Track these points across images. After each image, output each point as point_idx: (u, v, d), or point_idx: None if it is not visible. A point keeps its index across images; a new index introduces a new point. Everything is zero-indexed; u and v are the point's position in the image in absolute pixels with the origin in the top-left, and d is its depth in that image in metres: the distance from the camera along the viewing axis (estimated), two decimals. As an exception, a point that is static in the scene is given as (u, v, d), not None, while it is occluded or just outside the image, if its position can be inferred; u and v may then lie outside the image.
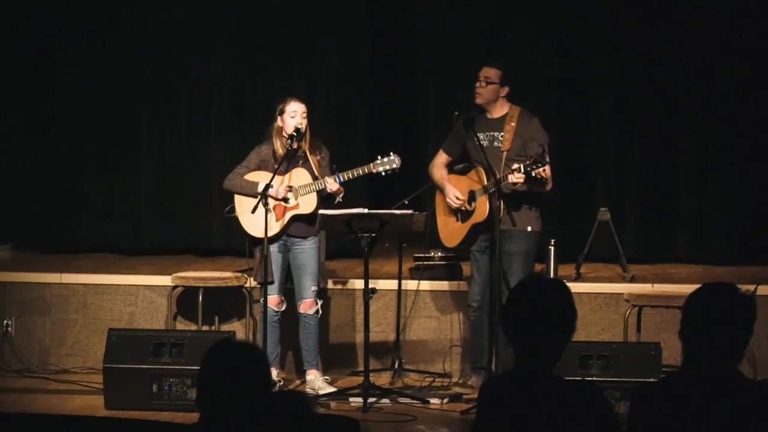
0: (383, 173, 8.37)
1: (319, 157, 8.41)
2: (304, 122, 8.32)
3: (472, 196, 8.30)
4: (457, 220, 8.41)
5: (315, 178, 8.33)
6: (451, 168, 8.50)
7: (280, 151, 8.36)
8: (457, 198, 8.32)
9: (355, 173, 8.33)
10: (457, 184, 8.39)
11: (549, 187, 8.20)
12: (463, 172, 8.43)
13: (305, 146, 8.36)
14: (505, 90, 8.32)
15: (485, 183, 8.16)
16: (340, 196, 8.36)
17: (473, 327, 8.48)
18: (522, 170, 7.91)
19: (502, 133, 8.26)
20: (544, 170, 7.95)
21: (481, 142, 8.20)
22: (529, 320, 3.91)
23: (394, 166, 8.35)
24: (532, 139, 8.15)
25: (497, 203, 8.00)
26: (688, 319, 3.90)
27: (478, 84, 8.32)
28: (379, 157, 8.38)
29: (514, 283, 7.85)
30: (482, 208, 8.21)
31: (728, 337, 3.85)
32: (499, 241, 8.00)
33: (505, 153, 8.20)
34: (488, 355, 8.35)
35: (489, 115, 8.35)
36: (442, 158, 8.53)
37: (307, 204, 8.35)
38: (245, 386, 3.67)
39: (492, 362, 8.30)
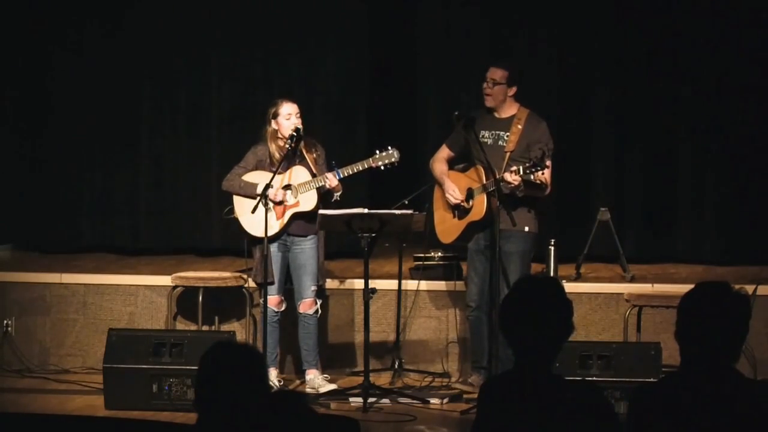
0: (382, 167, 8.36)
1: (315, 155, 8.41)
2: (300, 121, 8.32)
3: (470, 194, 8.30)
4: (454, 216, 8.41)
5: (314, 175, 8.33)
6: (452, 165, 8.50)
7: (277, 154, 8.34)
8: (455, 194, 8.32)
9: (355, 169, 8.32)
10: (456, 180, 8.40)
11: (548, 191, 8.19)
12: (463, 170, 8.44)
13: (301, 145, 8.35)
14: (513, 90, 8.31)
15: (484, 182, 8.17)
16: (338, 194, 8.35)
17: (472, 327, 8.48)
18: (520, 172, 7.91)
19: (508, 134, 8.26)
20: (542, 174, 7.95)
21: (485, 141, 8.21)
22: (524, 320, 3.92)
23: (393, 159, 8.34)
24: (537, 143, 8.14)
25: (497, 203, 8.00)
26: (684, 320, 3.90)
27: (486, 86, 8.31)
28: (378, 152, 8.37)
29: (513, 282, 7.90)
30: (479, 206, 8.21)
31: (724, 336, 3.85)
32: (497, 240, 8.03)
33: (508, 153, 8.21)
34: (488, 355, 8.35)
35: (496, 114, 8.34)
36: (444, 153, 8.53)
37: (307, 201, 8.34)
38: (243, 388, 3.67)
39: (492, 362, 8.29)
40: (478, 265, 8.35)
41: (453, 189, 8.35)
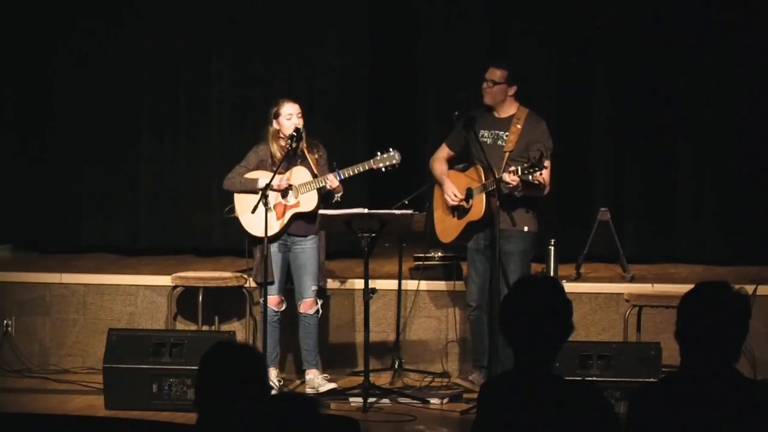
0: (383, 169, 8.36)
1: (317, 156, 8.41)
2: (301, 121, 8.33)
3: (469, 194, 8.31)
4: (454, 216, 8.42)
5: (314, 176, 8.34)
6: (452, 165, 8.51)
7: (278, 154, 8.34)
8: (455, 195, 8.33)
9: (356, 170, 8.32)
10: (456, 180, 8.40)
11: (546, 191, 8.19)
12: (463, 170, 8.45)
13: (302, 145, 8.36)
14: (513, 89, 8.32)
15: (483, 181, 8.17)
16: (339, 195, 8.35)
17: (473, 326, 8.48)
18: (519, 173, 7.92)
19: (507, 133, 8.26)
20: (541, 174, 7.95)
21: (484, 140, 8.21)
22: (524, 320, 3.92)
23: (394, 161, 8.34)
24: (536, 143, 8.14)
25: (497, 203, 8.01)
26: (683, 320, 3.90)
27: (485, 86, 8.31)
28: (379, 153, 8.37)
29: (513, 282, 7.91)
30: (479, 206, 8.22)
31: (724, 336, 3.84)
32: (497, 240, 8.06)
33: (507, 153, 8.21)
34: (489, 354, 8.36)
35: (496, 114, 8.35)
36: (443, 152, 8.54)
37: (307, 202, 8.34)
38: (243, 388, 3.67)
39: (492, 362, 8.29)
40: (478, 264, 8.36)
41: (452, 189, 8.35)
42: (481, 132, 8.26)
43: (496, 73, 8.30)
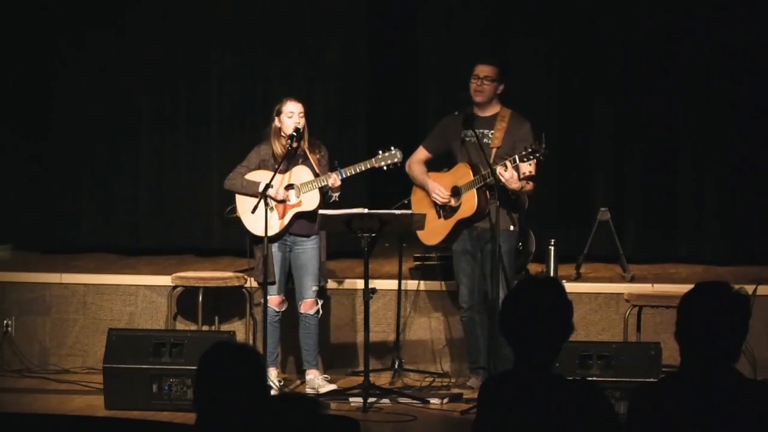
0: (385, 168, 8.36)
1: (318, 156, 8.41)
2: (302, 121, 8.33)
3: (456, 192, 8.30)
4: (440, 217, 8.39)
5: (316, 175, 8.33)
6: (429, 168, 8.51)
7: (279, 152, 8.35)
8: (442, 193, 8.31)
9: (358, 169, 8.32)
10: (439, 180, 8.38)
11: (531, 187, 8.12)
12: (444, 171, 8.45)
13: (304, 145, 8.36)
14: (501, 87, 8.32)
15: (474, 177, 8.15)
16: (337, 195, 8.34)
17: (466, 328, 8.48)
18: (516, 160, 7.91)
19: (493, 131, 8.27)
20: (536, 161, 7.92)
21: (469, 139, 8.21)
22: (524, 320, 3.92)
23: (396, 160, 8.35)
24: (522, 141, 8.13)
25: (491, 199, 8.01)
26: (684, 320, 3.90)
27: (478, 83, 8.29)
28: (380, 152, 8.37)
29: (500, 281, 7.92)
30: (470, 202, 8.20)
31: (724, 336, 3.85)
32: (481, 241, 8.08)
33: (494, 150, 8.21)
34: (485, 355, 8.36)
35: (480, 113, 8.34)
36: (421, 155, 8.52)
37: (309, 201, 8.34)
38: (241, 388, 3.67)
39: (490, 361, 8.29)
40: (465, 266, 8.36)
41: (439, 188, 8.34)
42: (465, 132, 8.26)
43: (486, 70, 8.30)
